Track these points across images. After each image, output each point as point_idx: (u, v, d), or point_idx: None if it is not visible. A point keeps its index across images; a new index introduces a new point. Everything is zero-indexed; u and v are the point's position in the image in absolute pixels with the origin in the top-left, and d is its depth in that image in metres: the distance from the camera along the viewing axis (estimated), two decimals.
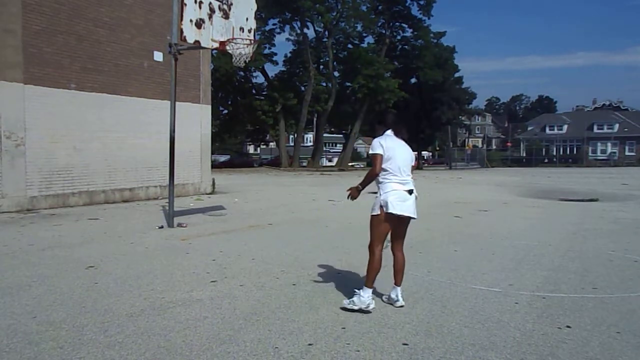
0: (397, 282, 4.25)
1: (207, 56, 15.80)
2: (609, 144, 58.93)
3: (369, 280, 4.06)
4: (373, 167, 4.09)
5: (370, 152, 4.16)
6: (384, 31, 46.48)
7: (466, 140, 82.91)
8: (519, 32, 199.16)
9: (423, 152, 60.37)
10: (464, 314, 4.06)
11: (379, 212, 4.07)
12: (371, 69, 40.31)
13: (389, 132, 4.25)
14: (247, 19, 9.24)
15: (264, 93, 44.73)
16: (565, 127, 63.89)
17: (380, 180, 4.10)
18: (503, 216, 10.61)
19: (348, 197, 4.32)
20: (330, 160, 63.15)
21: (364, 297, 4.02)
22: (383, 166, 4.07)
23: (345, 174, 34.21)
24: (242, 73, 41.40)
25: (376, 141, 4.14)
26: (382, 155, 4.07)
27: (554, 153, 60.58)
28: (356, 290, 4.09)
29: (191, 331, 3.64)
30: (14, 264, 5.76)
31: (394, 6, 45.30)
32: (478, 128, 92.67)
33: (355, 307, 4.02)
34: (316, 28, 44.00)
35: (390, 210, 4.01)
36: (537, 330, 3.72)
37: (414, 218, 4.17)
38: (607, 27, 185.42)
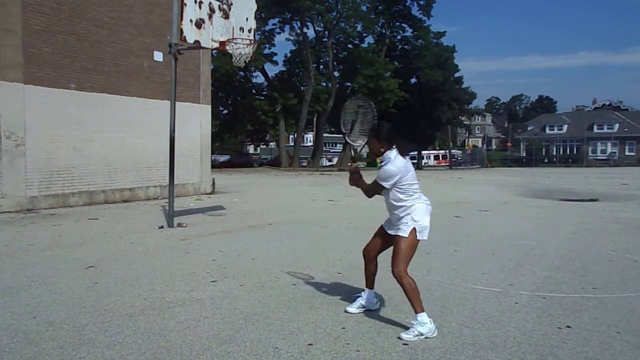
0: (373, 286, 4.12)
1: (207, 56, 15.80)
2: (609, 144, 58.91)
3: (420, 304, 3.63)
4: (367, 190, 3.80)
5: (381, 182, 3.67)
6: (384, 31, 46.48)
7: (466, 140, 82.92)
8: (519, 32, 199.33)
9: (440, 150, 60.10)
10: (464, 314, 4.06)
11: (414, 235, 3.67)
12: (371, 69, 40.32)
13: (395, 152, 3.70)
14: (247, 19, 9.24)
15: (264, 93, 44.75)
16: (565, 127, 63.87)
17: (411, 203, 3.71)
18: (503, 216, 10.61)
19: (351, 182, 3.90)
20: (330, 160, 63.08)
21: (427, 322, 3.57)
22: (405, 186, 3.68)
23: (345, 174, 34.15)
24: (242, 73, 41.41)
25: (393, 169, 3.63)
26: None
27: (554, 153, 60.56)
28: (413, 322, 3.57)
29: (191, 331, 3.64)
30: (14, 264, 5.76)
31: (394, 6, 45.30)
32: (478, 128, 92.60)
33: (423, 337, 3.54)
34: (316, 28, 44.06)
35: (423, 238, 3.73)
36: (537, 330, 3.72)
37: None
38: (607, 27, 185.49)
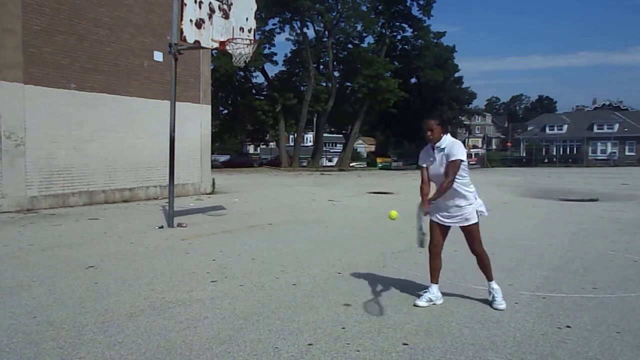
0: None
1: (207, 56, 15.80)
2: (609, 144, 58.91)
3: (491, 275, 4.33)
4: (452, 179, 3.96)
5: (459, 157, 3.97)
6: (384, 31, 46.50)
7: (466, 140, 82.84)
8: (519, 32, 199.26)
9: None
10: (464, 314, 4.06)
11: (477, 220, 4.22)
12: (371, 69, 40.36)
13: (449, 136, 4.14)
14: (247, 19, 9.24)
15: (264, 93, 44.79)
16: (565, 127, 63.86)
17: (468, 188, 4.15)
18: (503, 216, 10.61)
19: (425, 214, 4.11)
20: (330, 160, 63.14)
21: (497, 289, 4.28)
22: (464, 173, 4.09)
23: (345, 174, 34.21)
24: (242, 73, 41.46)
25: (462, 147, 4.07)
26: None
27: (554, 153, 60.56)
28: (493, 288, 4.27)
29: (191, 331, 3.64)
30: (14, 264, 5.76)
31: (394, 6, 45.34)
32: (478, 128, 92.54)
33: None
34: (316, 28, 44.13)
35: (484, 213, 4.29)
36: (537, 330, 3.72)
37: None
38: (607, 27, 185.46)
